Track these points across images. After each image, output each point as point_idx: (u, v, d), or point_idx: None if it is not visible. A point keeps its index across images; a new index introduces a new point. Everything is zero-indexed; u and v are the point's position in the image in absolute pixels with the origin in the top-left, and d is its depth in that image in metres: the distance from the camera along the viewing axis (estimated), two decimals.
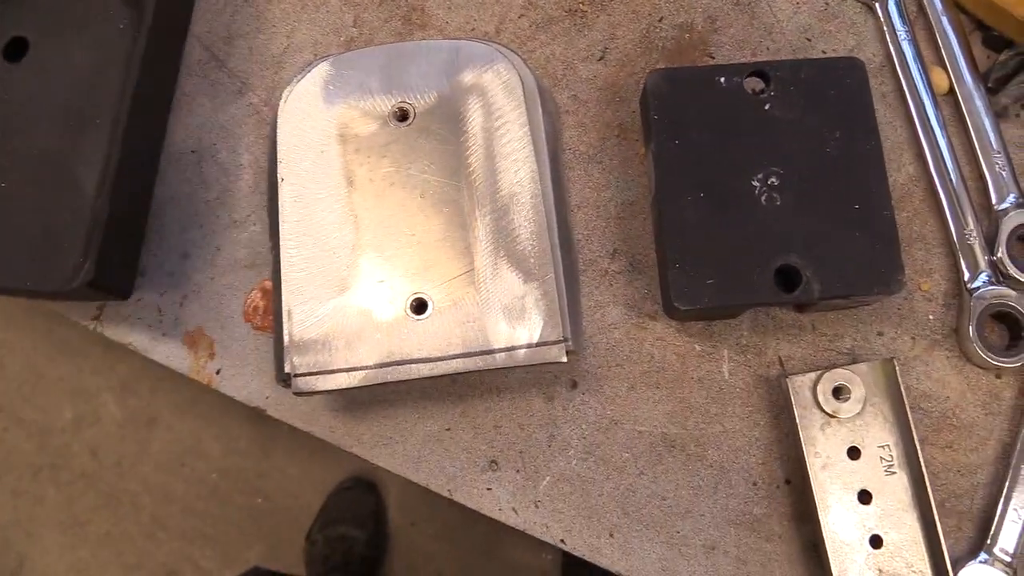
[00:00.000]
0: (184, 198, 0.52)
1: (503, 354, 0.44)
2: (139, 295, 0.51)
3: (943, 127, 0.50)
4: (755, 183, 0.46)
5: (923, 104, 0.50)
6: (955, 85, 0.51)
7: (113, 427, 1.61)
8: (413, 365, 0.45)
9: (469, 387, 0.48)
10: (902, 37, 0.52)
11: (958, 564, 0.46)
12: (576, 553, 0.47)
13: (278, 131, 0.48)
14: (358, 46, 0.54)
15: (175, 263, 0.51)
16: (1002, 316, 0.48)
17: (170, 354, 0.50)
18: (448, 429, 0.48)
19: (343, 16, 0.54)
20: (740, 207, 0.45)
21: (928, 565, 0.45)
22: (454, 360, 0.44)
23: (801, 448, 0.46)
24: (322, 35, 0.54)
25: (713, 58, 0.52)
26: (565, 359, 0.43)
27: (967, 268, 0.48)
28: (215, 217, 0.52)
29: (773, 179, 0.46)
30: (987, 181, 0.49)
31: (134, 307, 0.51)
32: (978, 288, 0.48)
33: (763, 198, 0.45)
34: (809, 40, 0.51)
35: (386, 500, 1.58)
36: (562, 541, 0.47)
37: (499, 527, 0.48)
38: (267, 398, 0.49)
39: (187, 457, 1.60)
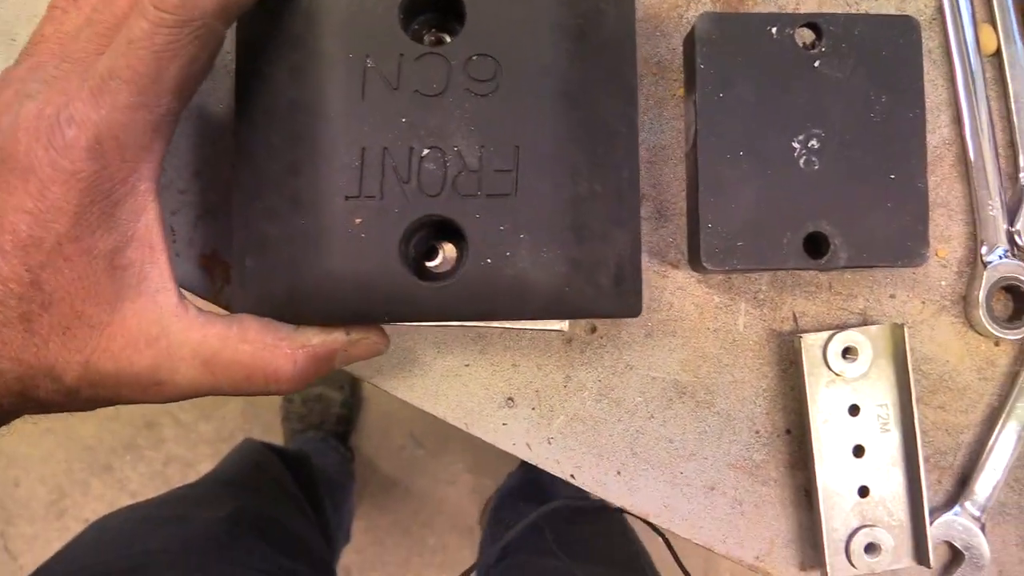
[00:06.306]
0: None
1: None
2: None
3: (985, 89, 0.49)
4: (795, 144, 0.45)
5: (969, 63, 0.49)
6: (1002, 45, 0.49)
7: None
8: None
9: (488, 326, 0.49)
10: None
11: (934, 514, 0.50)
12: (585, 488, 0.49)
13: None
14: None
15: None
16: (1011, 288, 0.49)
17: None
18: (467, 365, 0.49)
19: None
20: (778, 169, 0.45)
21: (907, 515, 0.49)
22: None
23: (805, 403, 0.48)
24: None
25: (757, 2, 0.49)
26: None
27: (984, 238, 0.49)
28: None
29: (814, 142, 0.45)
30: (1017, 149, 0.49)
31: None
32: (992, 261, 0.49)
33: (802, 161, 0.45)
34: None
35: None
36: (572, 476, 0.49)
37: None
38: None
39: None
